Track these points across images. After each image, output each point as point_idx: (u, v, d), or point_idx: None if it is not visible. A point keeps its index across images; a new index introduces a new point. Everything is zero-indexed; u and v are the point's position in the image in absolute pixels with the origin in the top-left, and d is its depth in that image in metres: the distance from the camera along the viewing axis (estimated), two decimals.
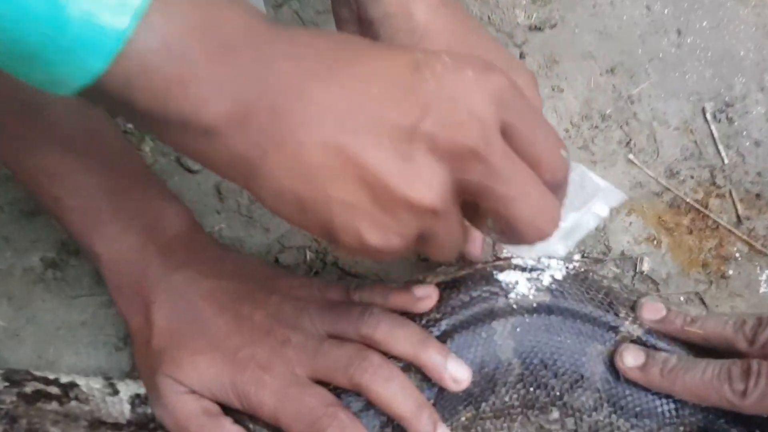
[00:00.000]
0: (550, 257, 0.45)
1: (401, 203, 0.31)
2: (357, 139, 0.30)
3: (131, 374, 0.51)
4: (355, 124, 0.30)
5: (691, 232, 0.57)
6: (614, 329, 0.45)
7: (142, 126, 0.30)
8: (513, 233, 0.34)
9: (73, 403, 0.47)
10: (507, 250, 0.44)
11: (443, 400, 0.43)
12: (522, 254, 0.43)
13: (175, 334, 0.45)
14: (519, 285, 0.45)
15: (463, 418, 0.44)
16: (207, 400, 0.43)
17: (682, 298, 0.55)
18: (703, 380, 0.40)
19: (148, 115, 0.29)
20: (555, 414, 0.45)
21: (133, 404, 0.48)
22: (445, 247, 0.34)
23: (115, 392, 0.48)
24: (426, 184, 0.30)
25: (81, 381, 0.49)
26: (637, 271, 0.55)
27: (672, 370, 0.41)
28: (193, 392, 0.43)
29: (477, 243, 0.46)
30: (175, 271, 0.46)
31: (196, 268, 0.46)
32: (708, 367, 0.41)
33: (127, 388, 0.48)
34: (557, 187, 0.35)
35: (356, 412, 0.43)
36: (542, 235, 0.34)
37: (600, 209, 0.41)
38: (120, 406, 0.48)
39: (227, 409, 0.44)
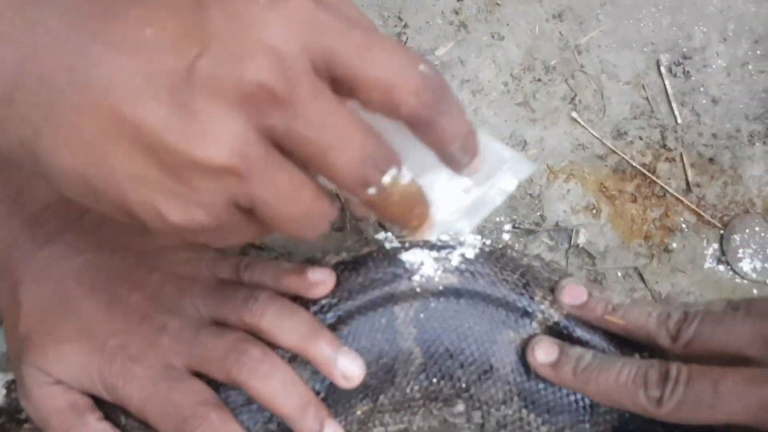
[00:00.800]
0: (454, 238, 0.40)
1: (190, 167, 0.26)
2: (130, 95, 0.25)
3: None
4: (128, 78, 0.25)
5: (635, 200, 0.52)
6: (529, 315, 0.40)
7: None
8: (341, 186, 0.28)
9: None
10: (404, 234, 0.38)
11: (336, 393, 0.39)
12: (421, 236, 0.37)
13: (43, 318, 0.40)
14: (425, 266, 0.40)
15: (359, 412, 0.40)
16: (76, 393, 0.40)
17: (619, 274, 0.50)
18: (618, 383, 0.36)
19: None
20: (460, 407, 0.41)
21: (9, 389, 0.44)
22: (288, 218, 0.28)
23: None
24: (212, 138, 0.25)
25: None
26: (572, 243, 0.51)
27: (585, 370, 0.37)
28: (61, 383, 0.39)
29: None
30: (44, 247, 0.41)
31: (69, 241, 0.42)
32: (624, 368, 0.36)
33: (5, 375, 0.44)
34: (434, 110, 0.28)
35: (237, 407, 0.39)
36: (370, 184, 0.28)
37: (507, 183, 0.35)
38: None
39: (102, 402, 0.40)
